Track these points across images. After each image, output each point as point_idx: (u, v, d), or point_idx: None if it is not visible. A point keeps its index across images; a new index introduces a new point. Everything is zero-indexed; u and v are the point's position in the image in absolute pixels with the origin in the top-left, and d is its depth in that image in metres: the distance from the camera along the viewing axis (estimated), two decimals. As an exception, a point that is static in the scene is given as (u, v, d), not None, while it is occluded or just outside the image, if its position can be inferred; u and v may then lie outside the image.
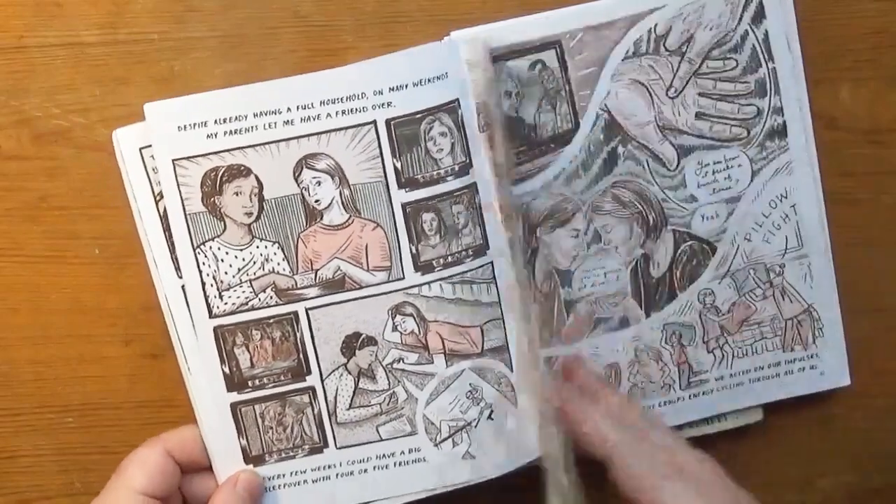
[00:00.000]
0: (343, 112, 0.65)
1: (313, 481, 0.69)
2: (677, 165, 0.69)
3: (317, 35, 0.70)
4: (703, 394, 0.72)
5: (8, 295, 0.70)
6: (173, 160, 0.65)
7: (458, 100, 0.66)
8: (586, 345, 0.71)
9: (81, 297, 0.70)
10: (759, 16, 0.68)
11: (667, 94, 0.69)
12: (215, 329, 0.67)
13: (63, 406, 0.71)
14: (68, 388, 0.71)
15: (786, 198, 0.70)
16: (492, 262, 0.67)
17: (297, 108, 0.65)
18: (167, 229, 0.66)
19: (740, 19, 0.68)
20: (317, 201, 0.66)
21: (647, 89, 0.68)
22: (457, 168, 0.66)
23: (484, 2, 0.70)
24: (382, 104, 0.65)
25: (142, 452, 0.65)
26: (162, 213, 0.66)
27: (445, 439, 0.69)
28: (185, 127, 0.64)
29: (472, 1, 0.70)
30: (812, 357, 0.72)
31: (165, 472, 0.65)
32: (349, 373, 0.68)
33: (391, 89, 0.65)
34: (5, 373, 0.71)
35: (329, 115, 0.65)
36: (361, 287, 0.67)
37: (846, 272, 0.72)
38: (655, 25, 0.68)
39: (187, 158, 0.65)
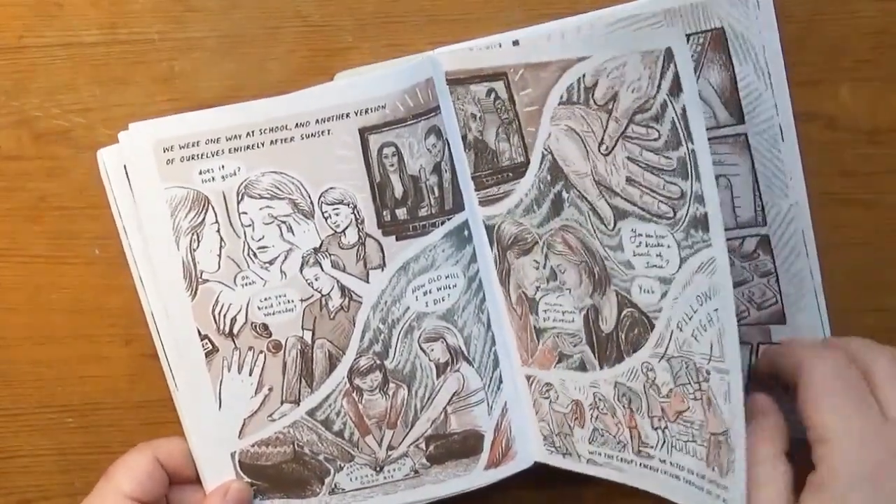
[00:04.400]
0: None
1: None
2: (614, 226, 0.64)
3: (317, 35, 0.70)
4: (652, 469, 0.66)
5: (8, 295, 0.70)
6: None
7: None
8: (554, 375, 0.69)
9: (81, 297, 0.70)
10: (676, 88, 0.58)
11: (599, 150, 0.63)
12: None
13: (63, 406, 0.71)
14: (68, 388, 0.71)
15: (710, 298, 0.61)
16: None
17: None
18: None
19: (658, 87, 0.59)
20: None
21: (582, 140, 0.64)
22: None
23: (486, 2, 0.70)
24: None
25: (131, 457, 0.66)
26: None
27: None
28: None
29: (472, 1, 0.70)
30: (724, 489, 0.62)
31: (154, 478, 0.65)
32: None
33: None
34: (5, 373, 0.71)
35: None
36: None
37: (846, 273, 0.72)
38: (584, 76, 0.62)
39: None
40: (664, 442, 0.65)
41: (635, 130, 0.61)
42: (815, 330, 0.71)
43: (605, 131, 0.63)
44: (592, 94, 0.62)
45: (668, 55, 0.58)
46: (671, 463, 0.65)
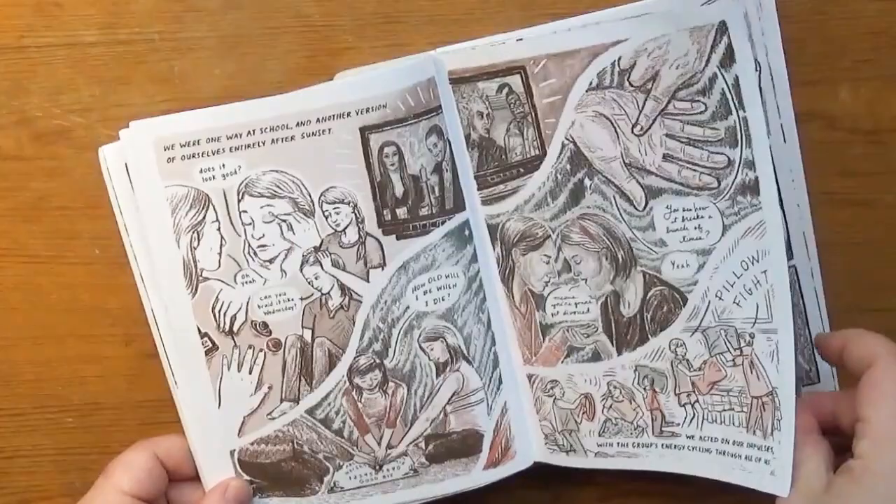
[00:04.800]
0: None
1: None
2: (645, 206, 0.66)
3: (317, 35, 0.70)
4: (676, 447, 0.67)
5: (8, 295, 0.70)
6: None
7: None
8: (561, 371, 0.69)
9: (81, 297, 0.70)
10: (729, 59, 0.62)
11: (632, 131, 0.65)
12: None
13: (63, 406, 0.71)
14: (68, 388, 0.71)
15: (757, 261, 0.63)
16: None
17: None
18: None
19: (708, 60, 0.62)
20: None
21: (612, 124, 0.65)
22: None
23: (486, 2, 0.70)
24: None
25: (130, 455, 0.65)
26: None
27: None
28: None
29: (472, 1, 0.70)
30: (768, 450, 0.63)
31: (153, 475, 0.65)
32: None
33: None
34: (5, 373, 0.71)
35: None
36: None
37: (846, 273, 0.72)
38: (619, 59, 0.64)
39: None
40: (693, 417, 0.66)
41: (677, 106, 0.64)
42: (815, 330, 0.70)
43: (640, 112, 0.64)
44: (628, 76, 0.64)
45: (722, 28, 0.61)
46: (701, 437, 0.66)
